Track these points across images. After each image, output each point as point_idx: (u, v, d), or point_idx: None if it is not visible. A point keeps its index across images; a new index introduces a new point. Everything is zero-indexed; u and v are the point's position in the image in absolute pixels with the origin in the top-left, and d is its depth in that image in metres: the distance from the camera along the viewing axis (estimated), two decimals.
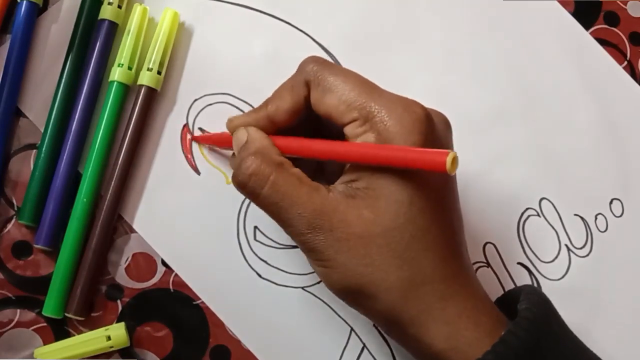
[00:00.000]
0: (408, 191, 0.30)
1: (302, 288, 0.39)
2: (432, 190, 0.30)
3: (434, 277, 0.30)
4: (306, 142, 0.32)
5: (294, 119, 0.33)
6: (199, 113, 0.40)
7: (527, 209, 0.42)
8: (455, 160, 0.27)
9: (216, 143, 0.39)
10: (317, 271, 0.32)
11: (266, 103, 0.34)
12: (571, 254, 0.42)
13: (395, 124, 0.30)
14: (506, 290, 0.40)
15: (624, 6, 0.47)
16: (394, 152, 0.29)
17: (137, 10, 0.39)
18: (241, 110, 0.40)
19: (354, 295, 0.31)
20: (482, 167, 0.42)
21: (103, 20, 0.39)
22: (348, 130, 0.31)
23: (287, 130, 0.34)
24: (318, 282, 0.39)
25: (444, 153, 0.27)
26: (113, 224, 0.38)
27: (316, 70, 0.32)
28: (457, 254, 0.31)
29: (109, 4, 0.39)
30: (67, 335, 0.37)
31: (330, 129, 0.33)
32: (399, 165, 0.29)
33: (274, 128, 0.34)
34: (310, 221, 0.30)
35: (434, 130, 0.31)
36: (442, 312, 0.30)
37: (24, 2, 0.38)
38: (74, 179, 0.38)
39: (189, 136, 0.40)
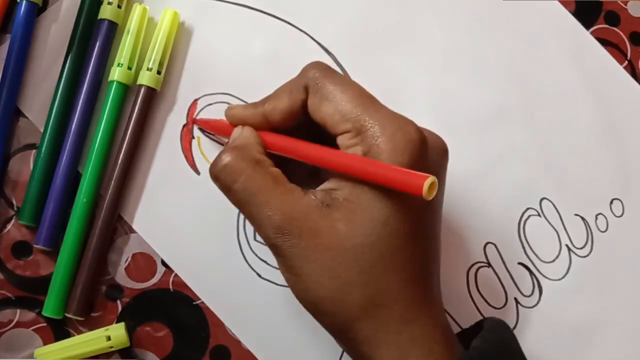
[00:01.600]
0: (386, 210, 0.29)
1: None
2: (411, 214, 0.30)
3: (395, 300, 0.29)
4: (292, 142, 0.32)
5: (289, 120, 0.33)
6: (198, 113, 0.40)
7: (528, 208, 0.42)
8: (433, 185, 0.27)
9: (213, 129, 0.39)
10: (284, 277, 0.31)
11: (264, 100, 0.34)
12: (572, 253, 0.42)
13: (387, 141, 0.29)
14: (506, 290, 0.40)
15: (624, 6, 0.47)
16: (373, 167, 0.29)
17: (136, 10, 0.39)
18: None
19: (315, 306, 0.30)
20: (483, 167, 0.42)
21: (103, 20, 0.39)
22: (340, 140, 0.31)
23: (283, 131, 0.34)
24: None
25: (422, 177, 0.27)
26: (113, 224, 0.38)
27: (317, 77, 0.32)
28: (424, 281, 0.31)
29: (109, 3, 0.39)
30: (67, 335, 0.37)
31: (326, 135, 0.33)
32: (377, 181, 0.29)
33: (268, 127, 0.34)
34: (279, 225, 0.29)
35: (425, 154, 0.30)
36: (396, 335, 0.29)
37: (24, 1, 0.38)
38: (74, 179, 0.38)
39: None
